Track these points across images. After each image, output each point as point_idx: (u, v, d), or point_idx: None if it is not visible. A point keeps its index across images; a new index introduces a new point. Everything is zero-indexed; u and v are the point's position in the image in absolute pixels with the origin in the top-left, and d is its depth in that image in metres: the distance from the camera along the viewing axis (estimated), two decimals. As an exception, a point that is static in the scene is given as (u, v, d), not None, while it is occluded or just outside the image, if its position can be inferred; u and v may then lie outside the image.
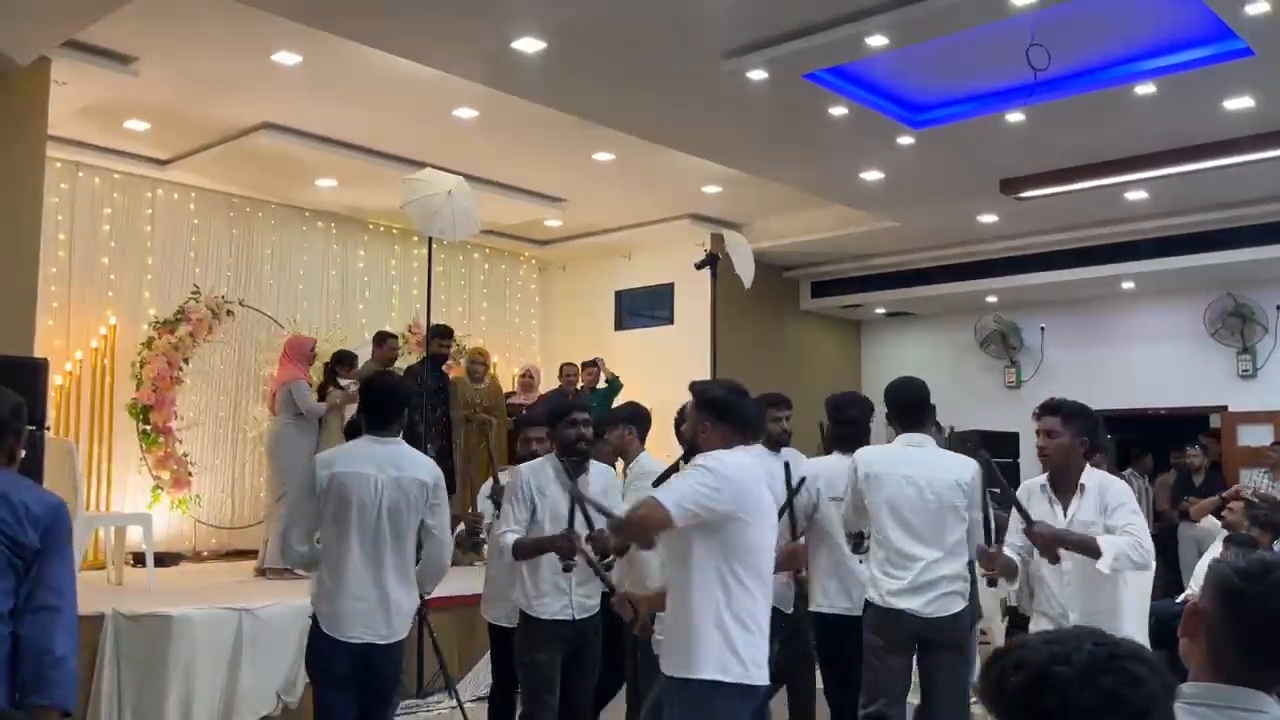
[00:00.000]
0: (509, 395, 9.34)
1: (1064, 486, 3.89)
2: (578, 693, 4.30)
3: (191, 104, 7.16)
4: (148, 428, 8.53)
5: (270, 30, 5.81)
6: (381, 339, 8.34)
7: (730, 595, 3.10)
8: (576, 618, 4.23)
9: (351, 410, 7.60)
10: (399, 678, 3.86)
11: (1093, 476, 3.88)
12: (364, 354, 8.51)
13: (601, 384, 9.61)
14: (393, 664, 3.74)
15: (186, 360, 8.81)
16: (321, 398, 7.76)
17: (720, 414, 3.38)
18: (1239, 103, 6.61)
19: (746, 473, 3.22)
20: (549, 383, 9.79)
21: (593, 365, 9.60)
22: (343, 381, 7.80)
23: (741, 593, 3.12)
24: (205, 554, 8.73)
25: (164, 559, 7.68)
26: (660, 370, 9.87)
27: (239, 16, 5.57)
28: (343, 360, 7.94)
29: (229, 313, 9.10)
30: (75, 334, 8.27)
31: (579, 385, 9.37)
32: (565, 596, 4.21)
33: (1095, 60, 6.31)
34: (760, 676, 3.14)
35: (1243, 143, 7.22)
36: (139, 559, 7.29)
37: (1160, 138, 7.31)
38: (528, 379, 9.44)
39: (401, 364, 8.89)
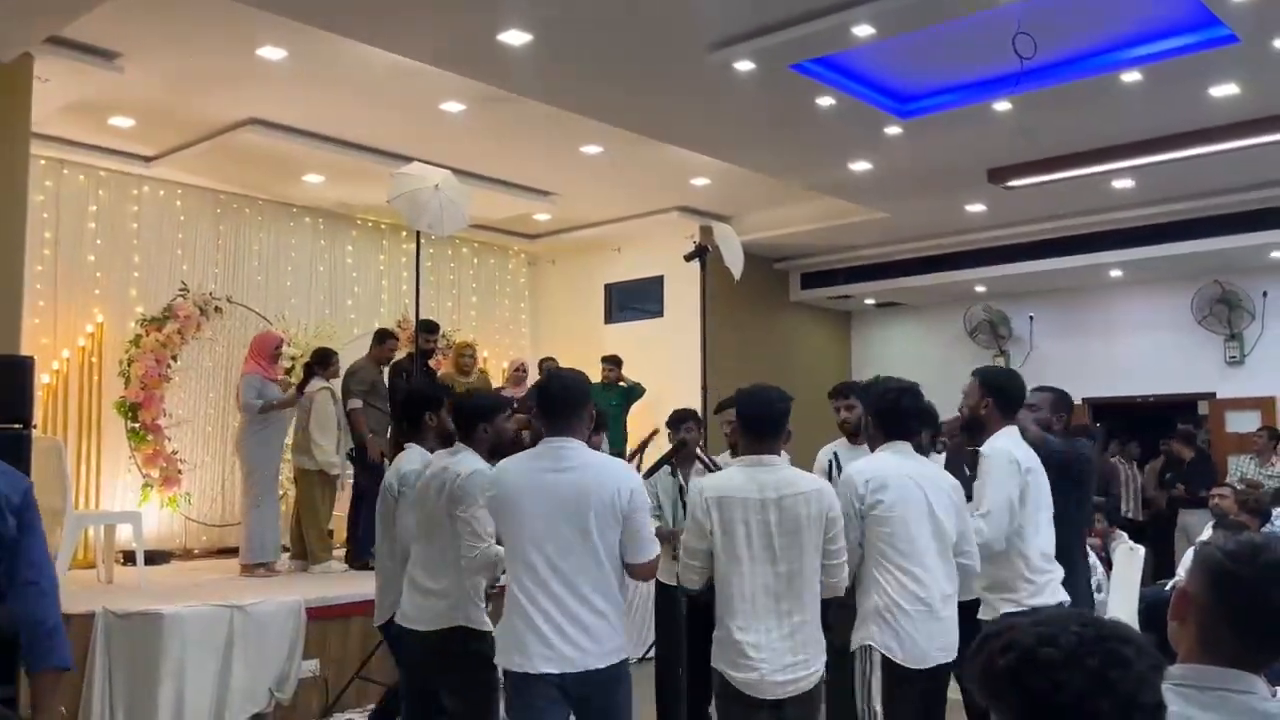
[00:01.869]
0: (499, 389, 9.32)
1: None
2: None
3: (176, 100, 7.12)
4: (136, 426, 8.50)
5: (255, 25, 5.78)
6: (381, 337, 8.23)
7: (515, 585, 3.25)
8: None
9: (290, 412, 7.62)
10: (446, 665, 3.92)
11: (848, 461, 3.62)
12: (356, 347, 8.48)
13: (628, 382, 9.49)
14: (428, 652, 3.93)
15: (175, 358, 8.77)
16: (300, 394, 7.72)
17: (536, 399, 3.48)
18: (1224, 90, 6.63)
19: (502, 473, 3.37)
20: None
21: (612, 362, 9.46)
22: (319, 383, 7.67)
23: (524, 580, 3.22)
24: (196, 551, 8.71)
25: (154, 557, 7.65)
26: (651, 363, 9.88)
27: (223, 11, 5.54)
28: (322, 359, 7.82)
29: (217, 309, 9.06)
30: (62, 332, 8.23)
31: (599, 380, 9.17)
32: None
33: (1081, 48, 6.32)
34: (538, 666, 3.15)
35: (1228, 130, 7.25)
36: (129, 557, 7.26)
37: (1146, 126, 7.33)
38: (519, 373, 9.43)
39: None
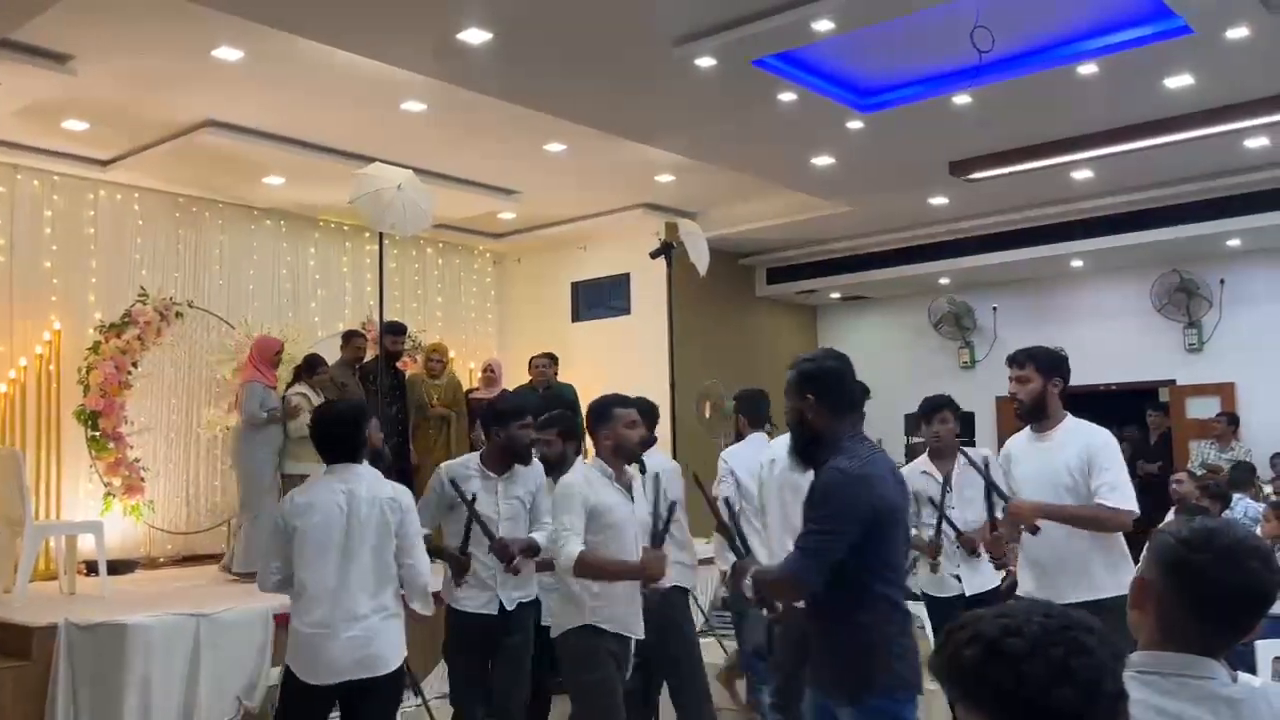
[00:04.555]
0: (471, 390, 9.24)
1: None
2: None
3: (131, 102, 7.01)
4: (97, 434, 8.36)
5: (210, 26, 5.70)
6: (348, 337, 8.18)
7: None
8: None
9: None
10: None
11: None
12: (321, 350, 8.39)
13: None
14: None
15: (135, 364, 8.65)
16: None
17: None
18: (1179, 81, 6.71)
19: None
20: (515, 377, 9.63)
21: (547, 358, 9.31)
22: (298, 387, 7.61)
23: None
24: (161, 560, 8.59)
25: (118, 567, 7.54)
26: (619, 361, 9.86)
27: (177, 12, 5.46)
28: (309, 365, 7.76)
29: (178, 315, 8.94)
30: (18, 340, 8.08)
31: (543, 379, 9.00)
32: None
33: (1039, 41, 6.38)
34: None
35: (1184, 120, 7.34)
36: (92, 567, 7.15)
37: (1104, 117, 7.41)
38: (490, 373, 9.33)
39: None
